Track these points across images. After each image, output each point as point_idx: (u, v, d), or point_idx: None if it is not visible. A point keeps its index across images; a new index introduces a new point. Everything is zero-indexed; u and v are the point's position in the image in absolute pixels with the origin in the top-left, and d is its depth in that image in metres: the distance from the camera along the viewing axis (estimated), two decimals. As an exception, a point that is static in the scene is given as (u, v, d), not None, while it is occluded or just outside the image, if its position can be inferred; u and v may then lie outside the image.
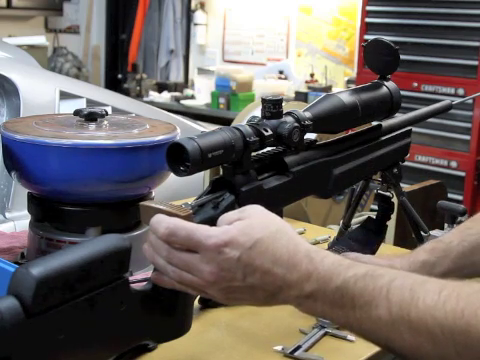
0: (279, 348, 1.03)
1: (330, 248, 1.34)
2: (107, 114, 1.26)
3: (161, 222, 0.77)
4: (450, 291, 0.70)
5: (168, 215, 0.78)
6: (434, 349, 0.69)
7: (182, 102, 5.50)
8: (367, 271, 0.74)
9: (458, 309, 0.68)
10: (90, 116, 1.24)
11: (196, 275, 0.75)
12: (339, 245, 1.33)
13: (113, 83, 6.29)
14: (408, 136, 1.25)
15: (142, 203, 0.82)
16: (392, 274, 0.74)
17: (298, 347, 1.03)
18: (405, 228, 1.42)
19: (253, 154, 0.92)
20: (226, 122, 3.83)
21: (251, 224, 0.76)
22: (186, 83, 6.06)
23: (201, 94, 5.48)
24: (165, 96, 5.68)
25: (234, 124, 1.04)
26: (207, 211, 0.85)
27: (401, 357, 0.75)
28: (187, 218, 0.78)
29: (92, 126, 1.23)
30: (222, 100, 5.15)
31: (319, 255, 0.76)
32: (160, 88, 5.87)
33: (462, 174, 3.72)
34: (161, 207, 0.79)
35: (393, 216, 1.35)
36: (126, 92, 5.67)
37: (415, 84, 3.82)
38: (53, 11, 6.38)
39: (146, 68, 6.26)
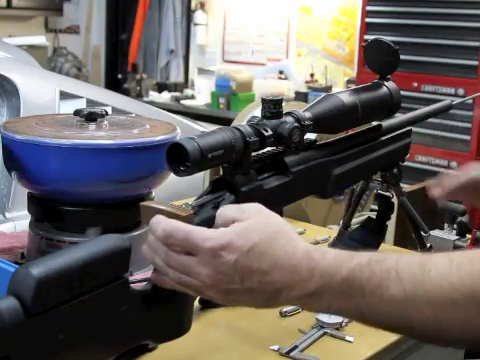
0: (275, 348, 1.03)
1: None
2: (107, 114, 1.26)
3: (159, 223, 0.77)
4: (460, 258, 0.71)
5: (169, 215, 0.78)
6: (456, 315, 0.70)
7: (182, 102, 5.50)
8: (370, 257, 0.74)
9: (474, 270, 0.69)
10: (90, 116, 1.24)
11: (194, 277, 0.75)
12: (339, 245, 1.34)
13: (113, 83, 6.29)
14: (408, 136, 1.25)
15: (142, 203, 0.82)
16: (396, 255, 0.74)
17: (295, 347, 1.03)
18: (405, 228, 1.42)
19: (253, 154, 0.92)
20: (226, 122, 3.82)
21: (249, 227, 0.75)
22: (186, 83, 6.06)
23: (201, 94, 5.48)
24: (165, 96, 5.68)
25: (234, 124, 1.04)
26: (207, 211, 0.85)
27: (419, 337, 0.75)
28: (188, 218, 0.78)
29: (92, 126, 1.23)
30: (222, 100, 5.15)
31: (319, 252, 0.75)
32: (160, 88, 5.87)
33: (462, 174, 3.71)
34: (161, 207, 0.79)
35: (393, 216, 1.35)
36: (126, 92, 5.67)
37: (415, 84, 3.82)
38: (53, 11, 6.38)
39: (146, 68, 6.26)
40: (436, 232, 1.45)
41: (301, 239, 0.78)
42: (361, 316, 0.75)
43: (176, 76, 6.13)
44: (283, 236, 0.76)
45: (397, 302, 0.71)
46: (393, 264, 0.73)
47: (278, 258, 0.74)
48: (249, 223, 0.76)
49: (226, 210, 0.79)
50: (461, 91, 3.67)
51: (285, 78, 5.27)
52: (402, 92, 1.19)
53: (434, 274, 0.70)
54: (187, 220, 0.78)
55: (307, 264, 0.74)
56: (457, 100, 1.34)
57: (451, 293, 0.69)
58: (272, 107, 0.95)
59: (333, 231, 1.57)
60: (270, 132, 0.92)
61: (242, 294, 0.75)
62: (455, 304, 0.69)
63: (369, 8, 4.01)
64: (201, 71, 5.87)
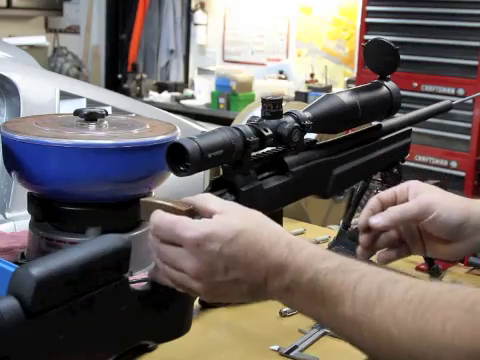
0: (275, 348, 1.03)
1: (330, 248, 1.35)
2: (107, 114, 1.26)
3: (153, 217, 0.76)
4: (417, 290, 0.66)
5: (169, 210, 0.77)
6: (392, 352, 0.65)
7: (182, 102, 5.50)
8: (340, 264, 0.71)
9: (420, 309, 0.64)
10: (90, 116, 1.24)
11: (181, 270, 0.74)
12: (339, 245, 1.34)
13: (113, 83, 6.29)
14: (408, 136, 1.25)
15: (143, 199, 0.82)
16: (365, 269, 0.70)
17: (294, 347, 1.03)
18: (405, 228, 1.41)
19: (253, 154, 0.92)
20: (226, 122, 3.82)
21: (232, 217, 0.75)
22: (186, 83, 6.06)
23: (201, 94, 5.49)
24: (165, 96, 5.68)
25: (234, 124, 1.04)
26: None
27: None
28: (189, 213, 0.78)
29: (92, 126, 1.23)
30: (222, 100, 5.15)
31: (298, 245, 0.73)
32: (160, 88, 5.87)
33: (462, 174, 3.72)
34: (162, 203, 0.79)
35: (393, 216, 1.34)
36: (126, 92, 5.67)
37: (415, 84, 3.82)
38: (53, 11, 6.38)
39: (146, 68, 6.26)
40: (436, 232, 1.45)
41: (285, 231, 0.77)
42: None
43: (176, 76, 6.13)
44: (266, 227, 0.75)
45: (346, 321, 0.68)
46: (357, 277, 0.68)
47: (262, 247, 0.73)
48: (231, 214, 0.75)
49: (208, 200, 0.78)
50: (461, 91, 3.67)
51: (285, 78, 5.27)
52: (402, 92, 1.19)
53: (386, 301, 0.65)
54: (188, 215, 0.78)
55: (286, 256, 0.72)
56: (457, 100, 1.34)
57: (391, 327, 0.64)
58: (272, 107, 0.95)
59: (333, 231, 1.57)
60: (270, 132, 0.92)
61: (227, 286, 0.74)
62: (392, 340, 0.64)
63: (369, 8, 4.01)
64: (201, 71, 5.87)
